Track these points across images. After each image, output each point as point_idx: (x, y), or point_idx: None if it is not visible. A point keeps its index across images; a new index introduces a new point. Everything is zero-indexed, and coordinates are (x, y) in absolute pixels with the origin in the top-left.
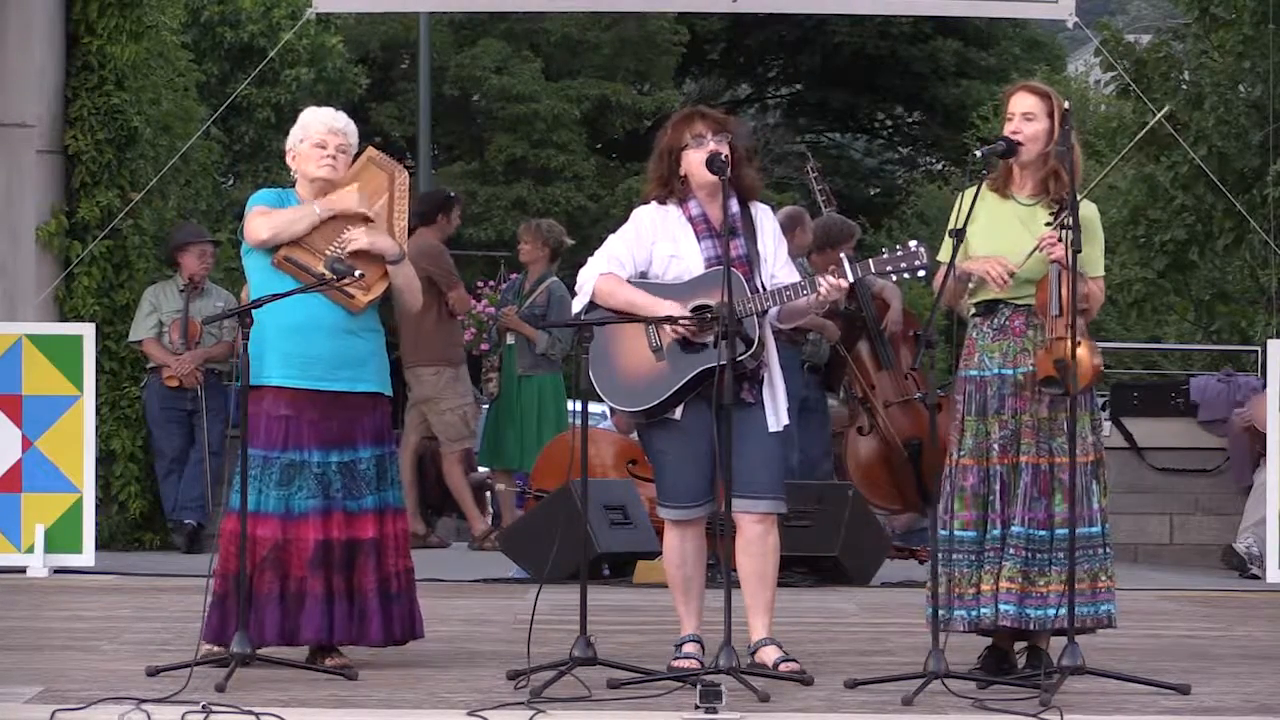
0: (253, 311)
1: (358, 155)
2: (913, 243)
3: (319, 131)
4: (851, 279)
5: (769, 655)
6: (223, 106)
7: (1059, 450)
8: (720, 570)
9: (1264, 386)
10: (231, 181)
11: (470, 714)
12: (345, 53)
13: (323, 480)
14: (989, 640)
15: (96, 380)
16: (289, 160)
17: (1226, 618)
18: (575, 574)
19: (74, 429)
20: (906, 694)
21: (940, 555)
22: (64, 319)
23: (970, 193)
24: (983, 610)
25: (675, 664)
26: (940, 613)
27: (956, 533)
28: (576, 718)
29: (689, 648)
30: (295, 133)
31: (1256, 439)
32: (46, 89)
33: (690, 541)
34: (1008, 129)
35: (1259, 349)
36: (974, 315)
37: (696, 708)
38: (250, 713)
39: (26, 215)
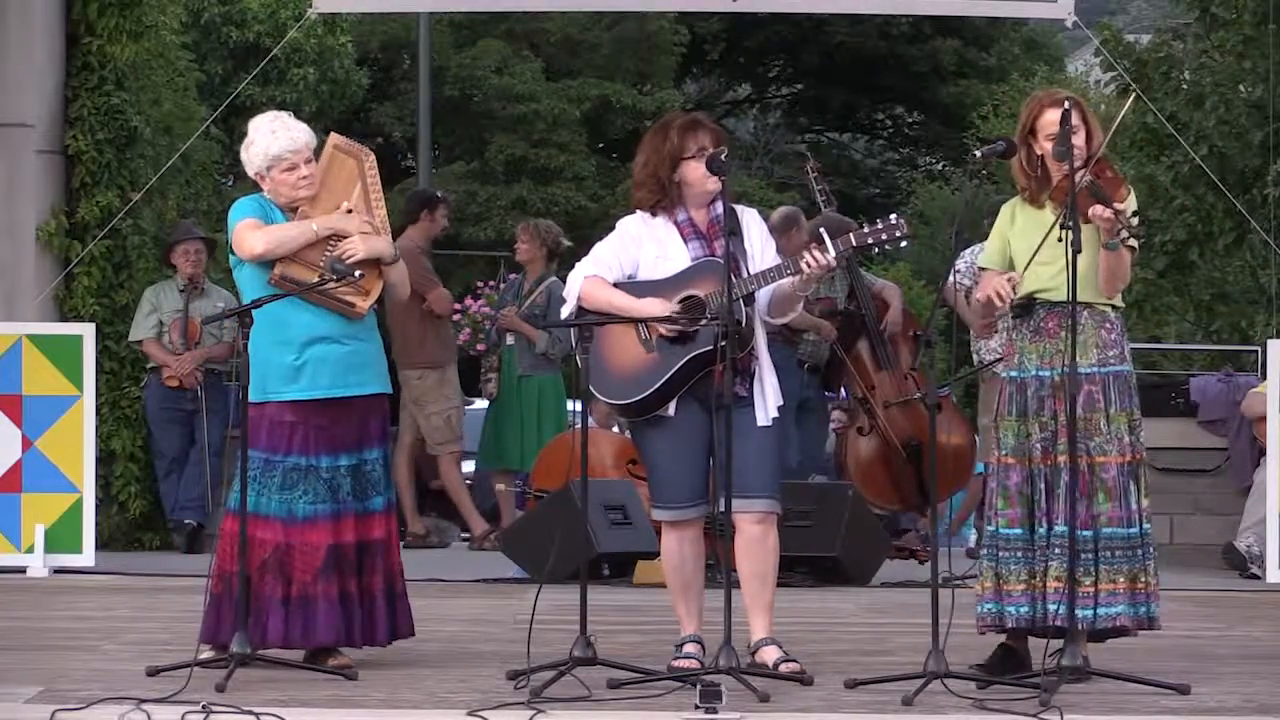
0: (253, 330)
1: (320, 145)
2: (893, 215)
3: (287, 157)
4: (833, 253)
5: (769, 655)
6: (222, 105)
7: (1096, 450)
8: (720, 570)
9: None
10: (232, 182)
11: (470, 714)
12: (354, 53)
13: (332, 485)
14: (989, 641)
15: (96, 380)
16: (259, 182)
17: (1226, 618)
18: (575, 574)
19: (74, 429)
20: (906, 694)
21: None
22: (64, 319)
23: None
24: (1038, 607)
25: (675, 664)
26: (987, 608)
27: (1001, 530)
28: (576, 718)
29: (689, 648)
30: (256, 159)
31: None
32: (46, 89)
33: (688, 544)
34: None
35: (1259, 349)
36: (1013, 316)
37: (696, 708)
38: (250, 713)
39: (26, 215)
